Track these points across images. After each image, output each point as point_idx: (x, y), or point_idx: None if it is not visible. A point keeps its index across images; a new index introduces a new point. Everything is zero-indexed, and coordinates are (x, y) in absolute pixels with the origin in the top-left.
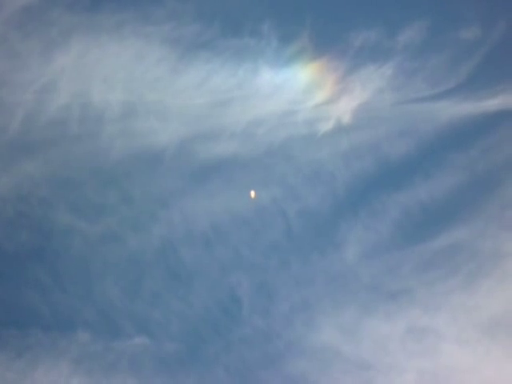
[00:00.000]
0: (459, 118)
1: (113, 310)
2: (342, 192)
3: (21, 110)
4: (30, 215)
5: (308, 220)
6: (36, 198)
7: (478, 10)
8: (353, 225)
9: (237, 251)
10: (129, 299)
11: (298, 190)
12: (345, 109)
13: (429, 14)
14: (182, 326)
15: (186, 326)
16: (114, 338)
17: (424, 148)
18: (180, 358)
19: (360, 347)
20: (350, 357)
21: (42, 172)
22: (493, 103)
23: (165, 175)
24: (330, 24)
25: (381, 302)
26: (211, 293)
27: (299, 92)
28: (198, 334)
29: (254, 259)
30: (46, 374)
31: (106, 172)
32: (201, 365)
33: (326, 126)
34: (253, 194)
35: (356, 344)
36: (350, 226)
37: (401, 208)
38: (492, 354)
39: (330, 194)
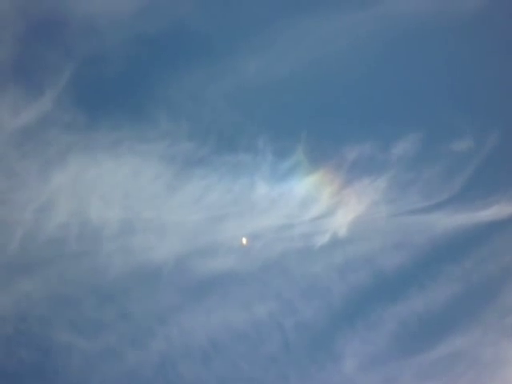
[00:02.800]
0: (453, 229)
1: None
2: (339, 305)
3: (20, 228)
4: (29, 333)
5: (305, 333)
6: (35, 316)
7: (470, 122)
8: (350, 337)
9: (235, 365)
10: None
11: (295, 304)
12: (341, 222)
13: (422, 126)
14: None
15: None
16: None
17: (419, 260)
18: None
19: None
20: None
21: (41, 290)
22: (486, 214)
23: (163, 291)
24: (325, 138)
25: None
26: None
27: (295, 206)
28: None
29: (252, 373)
30: None
31: (105, 289)
32: None
33: (322, 240)
34: (244, 241)
35: None
36: (347, 338)
37: (397, 320)
38: None
39: (326, 307)
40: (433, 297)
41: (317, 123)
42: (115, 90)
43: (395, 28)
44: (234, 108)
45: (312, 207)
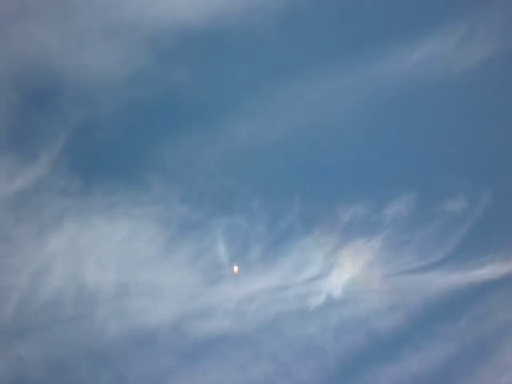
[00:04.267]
0: (448, 288)
1: None
2: (334, 366)
3: (15, 293)
4: None
5: None
6: (31, 381)
7: (463, 182)
8: None
9: None
10: None
11: (290, 365)
12: (335, 283)
13: (415, 186)
14: None
15: None
16: None
17: (414, 320)
18: None
19: None
20: None
21: (37, 354)
22: (481, 273)
23: (158, 354)
24: (319, 200)
25: None
26: None
27: (290, 268)
28: None
29: None
30: None
31: (100, 353)
32: None
33: (317, 301)
34: (236, 269)
35: None
36: None
37: (393, 380)
38: None
39: (321, 369)
40: (428, 357)
41: (310, 185)
42: (109, 155)
43: (386, 90)
44: (227, 172)
45: (307, 268)
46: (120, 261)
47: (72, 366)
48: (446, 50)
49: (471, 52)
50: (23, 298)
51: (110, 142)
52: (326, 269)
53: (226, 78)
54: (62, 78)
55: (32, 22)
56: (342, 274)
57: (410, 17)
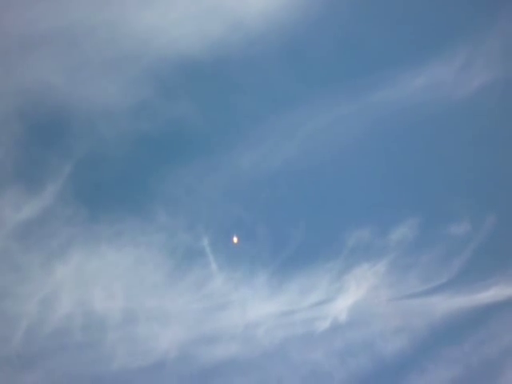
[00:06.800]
0: (453, 311)
1: None
2: None
3: (23, 321)
4: None
5: None
6: None
7: (467, 206)
8: None
9: None
10: None
11: None
12: (341, 307)
13: (419, 211)
14: None
15: None
16: None
17: (418, 343)
18: None
19: None
20: None
21: (45, 382)
22: (485, 296)
23: (166, 380)
24: (323, 226)
25: None
26: None
27: (295, 293)
28: None
29: None
30: None
31: (108, 379)
32: None
33: (323, 325)
34: (235, 239)
35: None
36: None
37: None
38: None
39: None
40: (433, 380)
41: (314, 211)
42: (114, 185)
43: (388, 116)
44: (231, 200)
45: (312, 293)
46: (127, 288)
47: None
48: (447, 76)
49: (471, 78)
50: (31, 325)
51: (114, 172)
52: (332, 293)
53: (228, 108)
54: (65, 111)
55: (33, 56)
56: (348, 299)
57: (410, 44)
